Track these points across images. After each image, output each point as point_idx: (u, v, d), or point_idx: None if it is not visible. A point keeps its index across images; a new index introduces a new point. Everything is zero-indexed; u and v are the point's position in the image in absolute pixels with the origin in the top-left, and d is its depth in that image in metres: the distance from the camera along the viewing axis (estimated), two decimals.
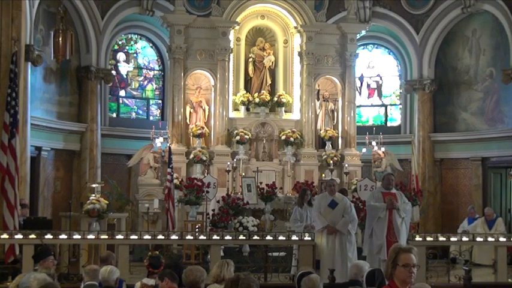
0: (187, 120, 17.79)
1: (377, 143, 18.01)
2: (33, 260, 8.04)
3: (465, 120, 19.07)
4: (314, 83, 18.17)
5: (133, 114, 19.94)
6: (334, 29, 18.41)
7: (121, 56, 19.87)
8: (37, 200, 16.37)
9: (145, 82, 20.27)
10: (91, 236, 11.23)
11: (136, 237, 11.25)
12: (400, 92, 20.54)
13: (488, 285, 11.02)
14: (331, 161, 17.59)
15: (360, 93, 20.57)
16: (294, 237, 11.59)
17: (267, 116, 18.00)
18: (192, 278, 6.46)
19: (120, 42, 19.86)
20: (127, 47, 20.09)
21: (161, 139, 17.21)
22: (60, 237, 11.05)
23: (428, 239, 11.44)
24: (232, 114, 18.03)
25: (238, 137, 17.42)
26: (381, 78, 20.85)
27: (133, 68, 20.11)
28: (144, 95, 20.20)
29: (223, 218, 14.32)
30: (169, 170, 14.57)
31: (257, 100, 17.85)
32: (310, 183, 16.12)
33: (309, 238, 11.38)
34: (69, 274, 11.52)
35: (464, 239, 12.07)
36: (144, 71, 20.27)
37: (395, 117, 20.66)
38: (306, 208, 12.32)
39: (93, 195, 13.76)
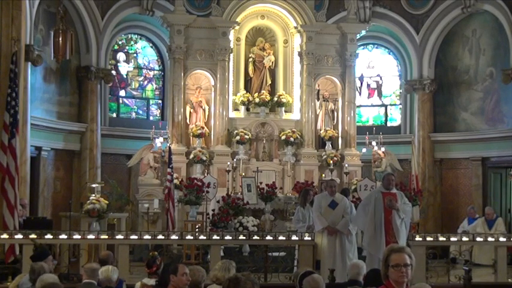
0: (187, 120, 17.79)
1: (377, 143, 18.01)
2: (32, 262, 8.03)
3: (465, 120, 19.07)
4: (314, 83, 18.18)
5: (134, 114, 19.94)
6: (334, 29, 18.41)
7: (121, 56, 19.87)
8: (37, 200, 16.36)
9: (145, 82, 20.27)
10: (91, 236, 11.23)
11: (136, 237, 11.24)
12: (400, 92, 20.54)
13: (488, 285, 11.02)
14: (331, 161, 17.59)
15: (360, 93, 20.57)
16: (294, 237, 11.59)
17: (267, 116, 18.01)
18: (195, 278, 6.47)
19: (120, 42, 19.86)
20: (127, 47, 20.10)
21: (161, 139, 17.22)
22: (60, 237, 11.04)
23: (428, 239, 11.44)
24: (232, 114, 18.03)
25: (238, 137, 17.42)
26: (381, 78, 20.85)
27: (134, 68, 20.11)
28: (144, 95, 20.20)
29: (223, 218, 14.31)
30: (169, 170, 14.58)
31: (257, 100, 17.86)
32: (310, 183, 16.13)
33: (309, 238, 11.38)
34: (69, 274, 11.53)
35: (464, 239, 12.06)
36: (144, 71, 20.27)
37: (396, 117, 20.66)
38: (308, 208, 12.31)
39: (93, 195, 13.76)
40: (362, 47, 20.29)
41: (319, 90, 18.48)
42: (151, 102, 20.20)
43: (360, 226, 11.45)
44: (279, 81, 18.47)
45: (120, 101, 19.86)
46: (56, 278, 6.56)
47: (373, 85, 20.92)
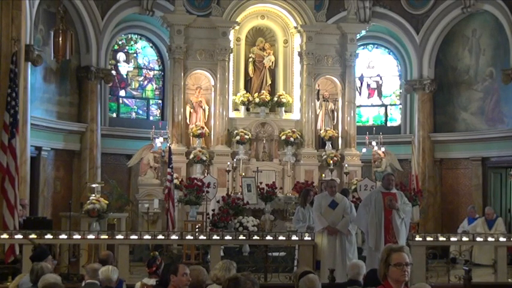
0: (187, 120, 17.79)
1: (377, 143, 18.02)
2: (32, 262, 8.04)
3: (465, 120, 19.07)
4: (314, 83, 18.18)
5: (134, 114, 19.94)
6: (334, 29, 18.42)
7: (121, 56, 19.87)
8: (37, 200, 16.36)
9: (145, 82, 20.27)
10: (91, 236, 11.23)
11: (136, 237, 11.24)
12: (400, 92, 20.54)
13: (488, 285, 11.02)
14: (331, 161, 17.59)
15: (360, 93, 20.57)
16: (294, 237, 11.59)
17: (267, 116, 18.01)
18: (200, 278, 6.48)
19: (120, 42, 19.86)
20: (127, 47, 20.10)
21: (161, 139, 17.22)
22: (60, 237, 11.04)
23: (428, 239, 11.43)
24: (232, 114, 18.04)
25: (238, 137, 17.42)
26: (381, 78, 20.85)
27: (134, 68, 20.11)
28: (144, 95, 20.20)
29: (223, 218, 14.30)
30: (169, 170, 14.58)
31: (257, 100, 17.86)
32: (310, 183, 16.13)
33: (309, 238, 11.38)
34: (69, 274, 11.52)
35: (464, 239, 12.06)
36: (144, 71, 20.27)
37: (396, 117, 20.67)
38: (309, 208, 12.31)
39: (93, 195, 13.76)
40: (362, 47, 20.29)
41: (319, 90, 18.48)
42: (151, 102, 20.20)
43: (363, 226, 11.43)
44: (279, 81, 18.47)
45: (120, 101, 19.86)
46: (57, 278, 6.56)
47: (373, 85, 20.92)
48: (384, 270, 4.56)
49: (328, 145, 18.07)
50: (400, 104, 20.55)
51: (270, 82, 18.27)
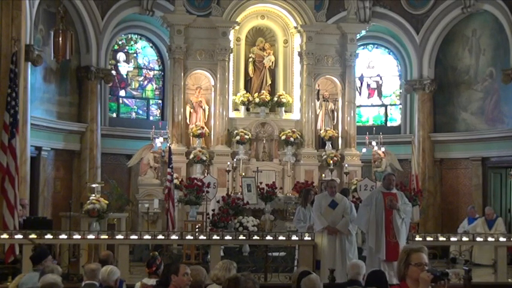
0: (187, 120, 17.79)
1: (377, 143, 18.01)
2: (32, 262, 8.05)
3: (465, 120, 19.07)
4: (314, 83, 18.18)
5: (134, 114, 19.95)
6: (334, 29, 18.42)
7: (121, 56, 19.87)
8: (37, 200, 16.36)
9: (145, 82, 20.28)
10: (91, 236, 11.24)
11: (136, 237, 11.25)
12: (400, 92, 20.55)
13: (488, 285, 11.03)
14: (331, 161, 17.59)
15: (360, 93, 20.57)
16: (294, 237, 11.60)
17: (267, 116, 18.01)
18: (199, 278, 6.48)
19: (120, 42, 19.86)
20: (127, 47, 20.10)
21: (161, 139, 17.22)
22: (60, 237, 11.05)
23: (428, 239, 11.45)
24: (232, 114, 18.04)
25: (238, 137, 17.42)
26: (381, 78, 20.85)
27: (134, 68, 20.12)
28: (144, 95, 20.20)
29: (223, 218, 14.31)
30: (169, 170, 14.59)
31: (257, 100, 17.86)
32: (310, 183, 16.13)
33: (309, 238, 11.39)
34: (69, 274, 11.53)
35: (464, 239, 12.08)
36: (144, 71, 20.27)
37: (396, 117, 20.67)
38: (309, 208, 12.31)
39: (93, 195, 13.76)
40: (362, 47, 20.29)
41: (319, 90, 18.49)
42: (151, 102, 20.20)
43: (363, 226, 11.44)
44: (279, 81, 18.47)
45: (120, 101, 19.87)
46: (56, 279, 6.55)
47: (373, 85, 20.92)
48: (404, 271, 4.60)
49: (328, 145, 18.07)
50: (400, 104, 20.55)
51: (270, 82, 18.27)
